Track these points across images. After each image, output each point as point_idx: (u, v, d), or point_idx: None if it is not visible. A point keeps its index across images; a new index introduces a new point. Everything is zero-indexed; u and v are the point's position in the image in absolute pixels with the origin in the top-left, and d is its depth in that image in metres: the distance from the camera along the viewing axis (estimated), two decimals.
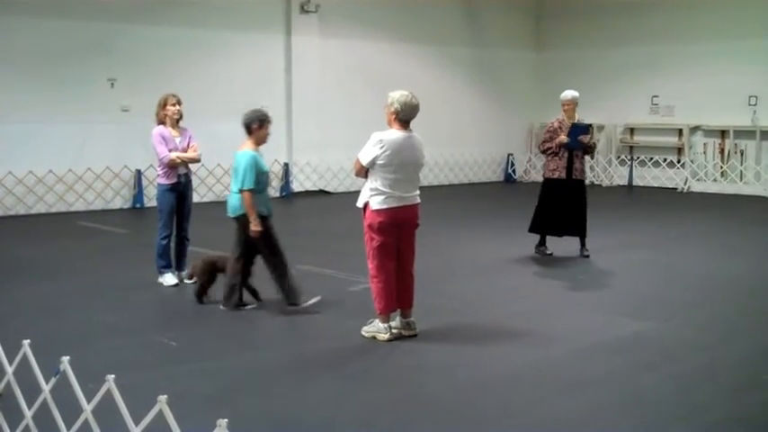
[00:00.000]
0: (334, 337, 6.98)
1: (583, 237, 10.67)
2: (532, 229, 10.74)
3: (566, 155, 10.34)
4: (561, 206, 10.47)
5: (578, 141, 10.25)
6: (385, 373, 6.21)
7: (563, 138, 10.23)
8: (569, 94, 10.42)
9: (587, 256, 10.57)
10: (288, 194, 17.50)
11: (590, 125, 10.37)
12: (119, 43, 15.27)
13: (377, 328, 6.90)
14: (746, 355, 6.63)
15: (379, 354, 6.57)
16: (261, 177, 7.74)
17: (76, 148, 14.98)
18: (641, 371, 6.18)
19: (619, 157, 20.43)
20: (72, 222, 13.69)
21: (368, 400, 5.59)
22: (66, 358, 4.24)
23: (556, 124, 10.41)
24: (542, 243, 10.76)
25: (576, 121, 10.34)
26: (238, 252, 7.77)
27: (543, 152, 10.58)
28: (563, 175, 10.39)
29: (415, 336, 6.95)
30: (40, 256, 10.74)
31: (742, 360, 6.48)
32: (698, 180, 19.05)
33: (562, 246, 10.73)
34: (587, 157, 11.01)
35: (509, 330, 7.22)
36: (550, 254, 10.69)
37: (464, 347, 6.76)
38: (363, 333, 6.96)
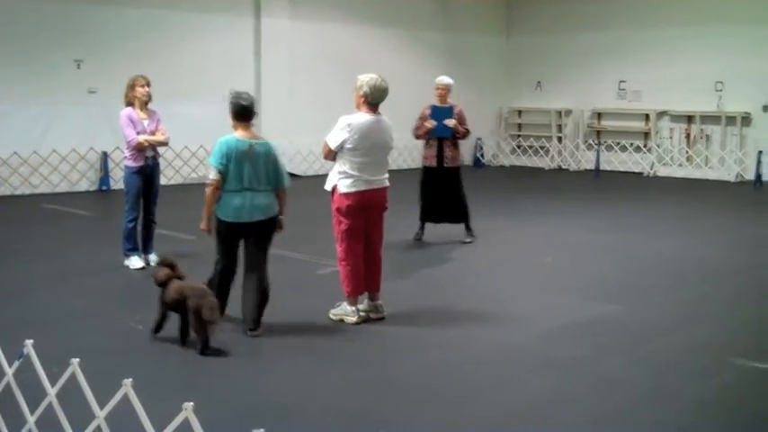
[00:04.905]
0: (301, 320, 6.97)
1: (464, 222, 10.62)
2: (420, 217, 10.70)
3: (436, 143, 10.37)
4: (435, 194, 10.49)
5: (445, 127, 10.21)
6: (352, 356, 6.22)
7: (427, 125, 10.27)
8: (443, 79, 10.45)
9: (469, 242, 10.51)
10: None
11: (452, 107, 10.31)
12: (85, 24, 15.04)
13: (345, 311, 6.91)
14: (712, 338, 6.72)
15: (347, 337, 6.58)
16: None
17: (42, 130, 14.76)
18: (608, 354, 6.24)
19: (586, 142, 20.55)
20: (37, 205, 13.51)
21: (335, 383, 5.59)
22: (29, 342, 4.21)
23: (426, 111, 10.40)
24: (421, 228, 10.68)
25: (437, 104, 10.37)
26: None
27: (416, 138, 10.57)
28: (434, 163, 10.43)
29: (383, 319, 6.97)
30: (5, 238, 10.59)
31: (708, 343, 6.56)
32: (664, 165, 19.22)
33: (530, 230, 10.78)
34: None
35: (477, 313, 7.26)
36: (419, 239, 10.60)
37: (432, 330, 6.78)
38: (331, 316, 6.96)
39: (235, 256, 6.72)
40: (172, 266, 6.38)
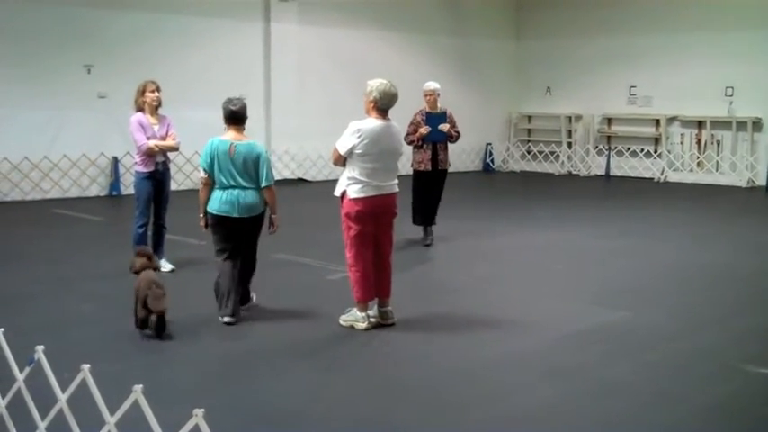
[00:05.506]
0: (312, 326, 6.98)
1: (431, 224, 10.75)
2: (414, 221, 10.75)
3: (430, 147, 10.47)
4: (428, 197, 10.63)
5: (439, 132, 10.36)
6: (363, 362, 6.23)
7: (422, 131, 10.33)
8: (430, 84, 10.60)
9: (429, 245, 10.60)
10: None
11: (445, 112, 10.53)
12: (95, 29, 15.12)
13: (355, 318, 6.91)
14: (719, 343, 6.69)
15: (357, 343, 6.58)
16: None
17: (52, 135, 14.82)
18: (615, 360, 6.23)
19: (596, 147, 20.51)
20: (48, 210, 13.57)
21: (346, 389, 5.60)
22: (40, 347, 4.22)
23: (419, 117, 10.48)
24: (425, 233, 10.75)
25: (430, 110, 10.46)
26: None
27: (409, 144, 10.54)
28: (429, 167, 10.54)
29: (393, 325, 6.96)
30: (15, 243, 10.64)
31: (714, 349, 6.53)
32: (674, 170, 19.17)
33: (540, 236, 10.77)
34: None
35: (486, 319, 7.25)
36: (428, 244, 10.64)
37: (442, 336, 6.78)
38: (341, 322, 6.96)
39: (232, 251, 7.07)
40: (149, 257, 6.93)
